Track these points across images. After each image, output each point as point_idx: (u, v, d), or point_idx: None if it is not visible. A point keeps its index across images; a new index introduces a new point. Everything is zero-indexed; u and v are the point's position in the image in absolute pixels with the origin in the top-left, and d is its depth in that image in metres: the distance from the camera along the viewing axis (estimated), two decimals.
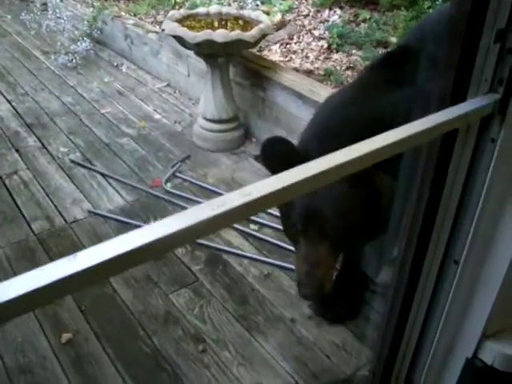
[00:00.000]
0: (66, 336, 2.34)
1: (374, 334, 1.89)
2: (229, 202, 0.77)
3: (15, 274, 2.63)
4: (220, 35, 3.24)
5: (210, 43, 3.27)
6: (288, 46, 4.51)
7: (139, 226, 2.78)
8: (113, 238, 0.73)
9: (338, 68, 4.03)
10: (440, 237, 1.29)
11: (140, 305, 2.50)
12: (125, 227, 2.94)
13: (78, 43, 5.23)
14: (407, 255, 1.34)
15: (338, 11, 4.76)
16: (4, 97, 4.68)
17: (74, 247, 2.84)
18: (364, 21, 4.51)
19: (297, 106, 3.33)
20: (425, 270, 1.34)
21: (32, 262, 2.75)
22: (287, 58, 4.28)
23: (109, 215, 3.06)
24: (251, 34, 3.36)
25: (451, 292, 1.32)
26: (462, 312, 1.33)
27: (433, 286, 1.37)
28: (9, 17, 6.86)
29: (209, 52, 3.43)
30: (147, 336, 2.34)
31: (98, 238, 2.87)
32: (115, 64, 5.34)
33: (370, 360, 2.03)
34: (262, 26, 3.45)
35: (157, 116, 4.29)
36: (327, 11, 4.81)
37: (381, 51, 3.99)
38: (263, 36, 3.51)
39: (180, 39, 3.42)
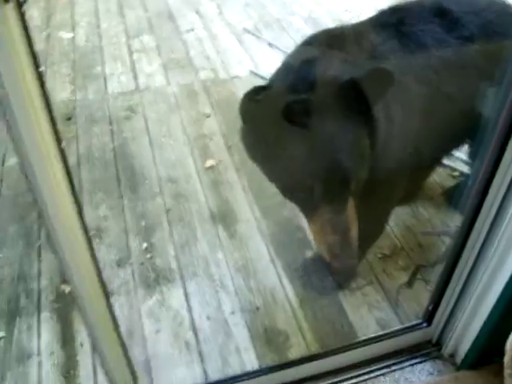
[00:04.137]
0: (210, 162, 2.66)
1: None
2: None
3: (179, 107, 2.99)
4: None
5: None
6: None
7: None
8: None
9: None
10: None
11: None
12: None
13: None
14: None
15: None
16: None
17: (232, 97, 3.12)
18: None
19: None
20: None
21: (193, 101, 3.10)
22: None
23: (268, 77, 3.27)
24: None
25: None
26: None
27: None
28: None
29: None
30: None
31: None
32: None
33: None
34: None
35: (328, 2, 4.34)
36: None
37: None
38: None
39: None
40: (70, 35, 3.81)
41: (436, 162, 2.24)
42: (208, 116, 2.98)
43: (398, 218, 2.31)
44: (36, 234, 2.28)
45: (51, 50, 3.65)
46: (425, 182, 2.40)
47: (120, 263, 2.17)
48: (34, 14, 4.15)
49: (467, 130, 1.97)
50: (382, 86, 1.38)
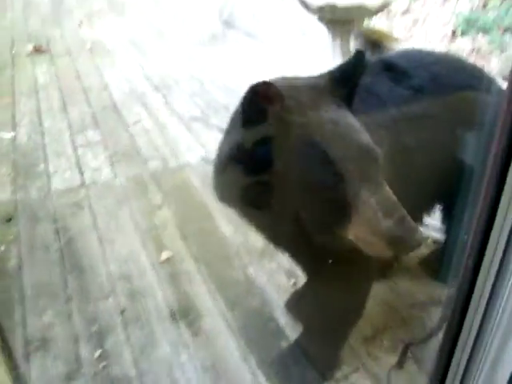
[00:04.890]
0: (165, 254, 2.45)
1: None
2: None
3: (128, 200, 2.81)
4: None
5: (331, 7, 3.32)
6: (412, 28, 4.48)
7: None
8: None
9: (460, 52, 3.94)
10: None
11: (239, 238, 2.54)
12: None
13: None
14: None
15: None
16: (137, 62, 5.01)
17: (183, 185, 2.97)
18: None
19: None
20: None
21: (143, 193, 2.92)
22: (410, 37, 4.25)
23: None
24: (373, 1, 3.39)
25: None
26: None
27: None
28: None
29: (330, 17, 3.47)
30: (242, 265, 2.38)
31: (208, 179, 2.97)
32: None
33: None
34: None
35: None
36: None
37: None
38: (384, 6, 3.51)
39: (303, 2, 3.50)
40: (11, 135, 3.63)
41: None
42: (159, 207, 2.80)
43: (376, 295, 2.12)
44: None
45: None
46: None
47: (70, 376, 1.89)
48: None
49: (438, 191, 1.86)
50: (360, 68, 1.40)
